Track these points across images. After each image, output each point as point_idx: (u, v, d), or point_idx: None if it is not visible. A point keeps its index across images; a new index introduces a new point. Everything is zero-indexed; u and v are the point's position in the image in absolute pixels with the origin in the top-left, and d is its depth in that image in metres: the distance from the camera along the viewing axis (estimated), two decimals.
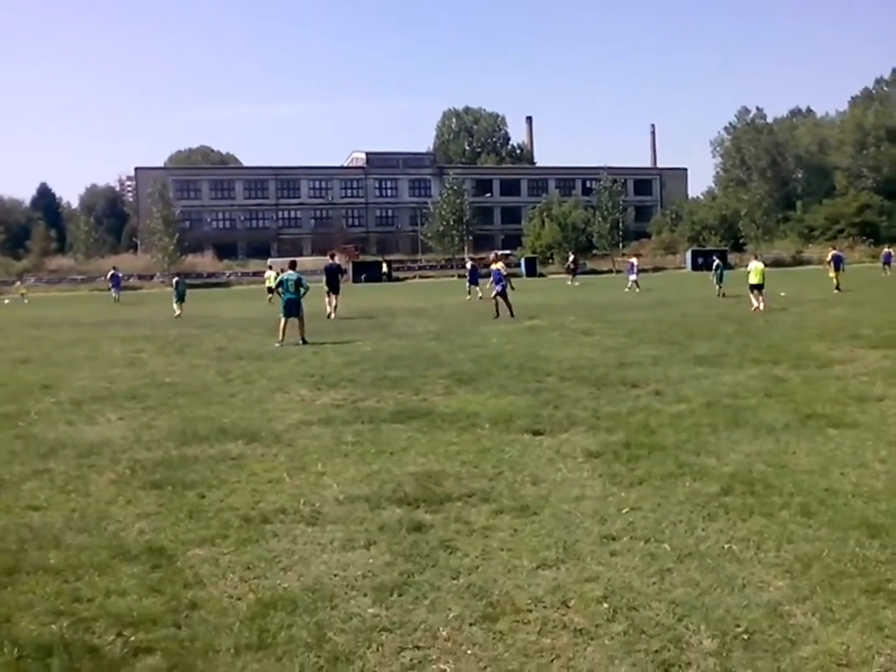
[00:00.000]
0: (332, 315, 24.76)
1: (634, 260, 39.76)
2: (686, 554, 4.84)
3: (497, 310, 23.30)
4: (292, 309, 17.53)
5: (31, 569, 4.83)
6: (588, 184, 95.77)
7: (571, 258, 54.10)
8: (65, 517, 5.86)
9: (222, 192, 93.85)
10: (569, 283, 47.92)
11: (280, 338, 17.21)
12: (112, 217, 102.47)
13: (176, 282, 31.02)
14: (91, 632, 4.04)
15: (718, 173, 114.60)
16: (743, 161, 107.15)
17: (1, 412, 10.15)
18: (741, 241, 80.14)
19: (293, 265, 18.92)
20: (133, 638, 3.94)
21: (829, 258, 33.01)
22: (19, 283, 54.94)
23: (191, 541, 5.26)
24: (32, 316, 32.13)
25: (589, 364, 12.85)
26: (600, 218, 79.27)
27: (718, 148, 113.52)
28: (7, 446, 8.18)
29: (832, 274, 31.23)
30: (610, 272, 71.61)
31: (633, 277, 38.15)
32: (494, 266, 24.35)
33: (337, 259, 27.58)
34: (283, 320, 17.47)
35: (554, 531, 5.30)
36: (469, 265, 37.39)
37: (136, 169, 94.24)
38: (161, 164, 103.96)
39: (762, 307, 22.59)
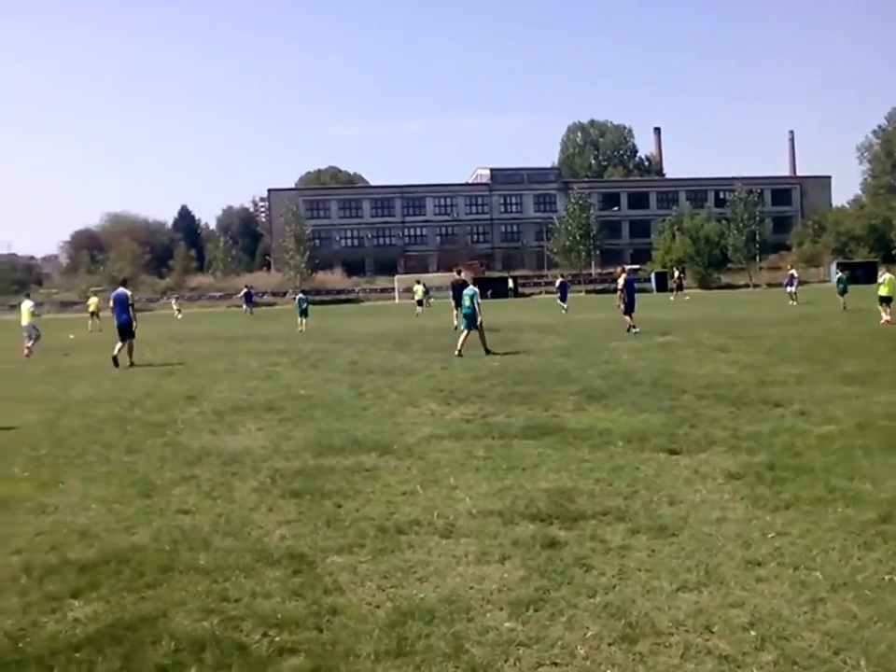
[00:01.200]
0: (460, 328, 25.14)
1: (794, 272, 39.19)
2: (840, 584, 4.54)
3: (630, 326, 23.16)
4: (471, 322, 18.39)
5: (183, 568, 5.09)
6: (721, 195, 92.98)
7: (676, 273, 55.95)
8: (212, 521, 6.13)
9: (350, 211, 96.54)
10: (672, 298, 47.50)
11: (459, 347, 17.94)
12: (246, 236, 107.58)
13: (299, 299, 32.50)
14: (239, 630, 4.20)
15: (866, 179, 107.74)
16: (894, 165, 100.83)
17: (151, 420, 10.77)
18: (893, 252, 75.21)
19: (476, 282, 20.10)
20: (277, 639, 4.08)
21: None
22: (173, 300, 58.04)
23: (330, 549, 5.38)
24: (175, 331, 33.97)
25: (727, 382, 12.40)
26: (735, 231, 76.69)
27: (865, 154, 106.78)
28: (158, 453, 8.66)
29: None
30: (747, 286, 69.11)
31: (791, 289, 37.42)
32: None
33: (463, 276, 28.13)
34: (465, 332, 18.46)
35: (695, 553, 5.11)
36: (558, 282, 38.55)
37: (269, 190, 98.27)
38: (292, 185, 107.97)
39: (890, 319, 21.87)
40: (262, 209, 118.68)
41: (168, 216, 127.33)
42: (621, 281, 24.94)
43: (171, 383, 15.05)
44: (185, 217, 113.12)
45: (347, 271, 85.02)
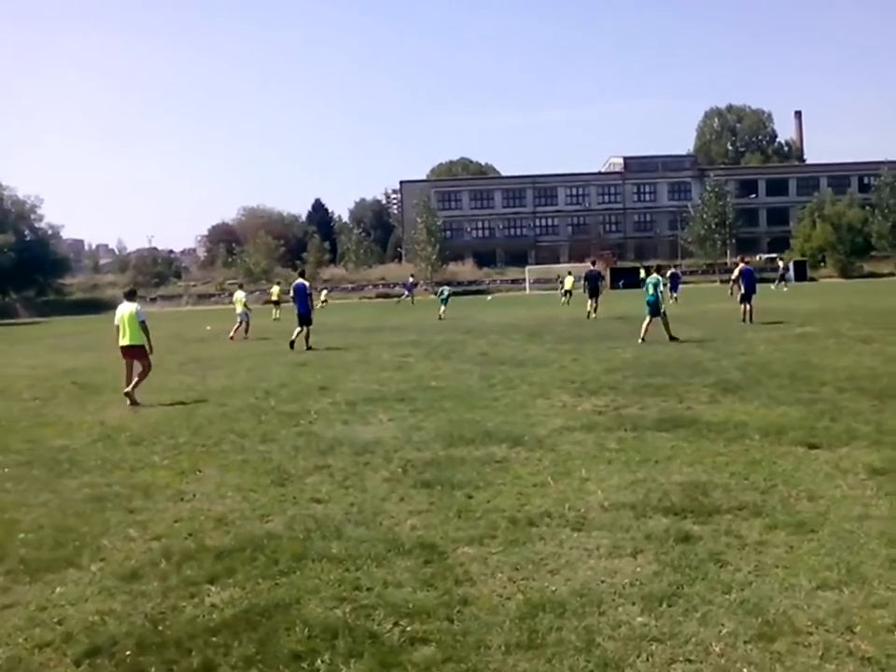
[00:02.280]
0: (592, 316, 28.16)
1: None
2: None
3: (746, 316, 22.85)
4: (654, 309, 18.96)
5: (316, 557, 5.25)
6: (865, 180, 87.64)
7: (781, 263, 55.42)
8: (345, 510, 6.30)
9: (481, 202, 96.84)
10: (773, 287, 46.04)
11: (642, 335, 18.51)
12: (379, 228, 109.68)
13: (442, 289, 34.90)
14: (371, 619, 4.31)
15: None
16: None
17: (286, 410, 11.18)
18: None
19: (649, 270, 21.16)
20: (409, 628, 4.17)
21: None
22: (325, 291, 59.86)
23: (461, 539, 5.47)
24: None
25: (870, 374, 11.80)
26: (880, 217, 72.42)
27: None
28: (291, 442, 8.98)
29: None
30: (892, 274, 65.15)
31: None
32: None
33: (597, 266, 28.97)
34: (648, 318, 18.95)
35: (835, 551, 4.94)
36: (669, 272, 38.01)
37: (401, 182, 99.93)
38: (424, 177, 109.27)
39: None
40: (395, 201, 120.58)
41: (302, 209, 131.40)
42: (736, 271, 24.52)
43: (304, 373, 15.55)
44: (318, 209, 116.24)
45: (478, 262, 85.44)
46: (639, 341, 18.24)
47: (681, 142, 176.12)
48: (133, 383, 12.40)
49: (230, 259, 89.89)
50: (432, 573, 4.90)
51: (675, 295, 37.01)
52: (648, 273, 24.78)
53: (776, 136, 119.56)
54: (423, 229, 79.26)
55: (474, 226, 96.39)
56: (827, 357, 14.13)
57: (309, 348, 20.28)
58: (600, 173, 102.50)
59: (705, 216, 76.60)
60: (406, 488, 6.85)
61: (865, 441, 7.71)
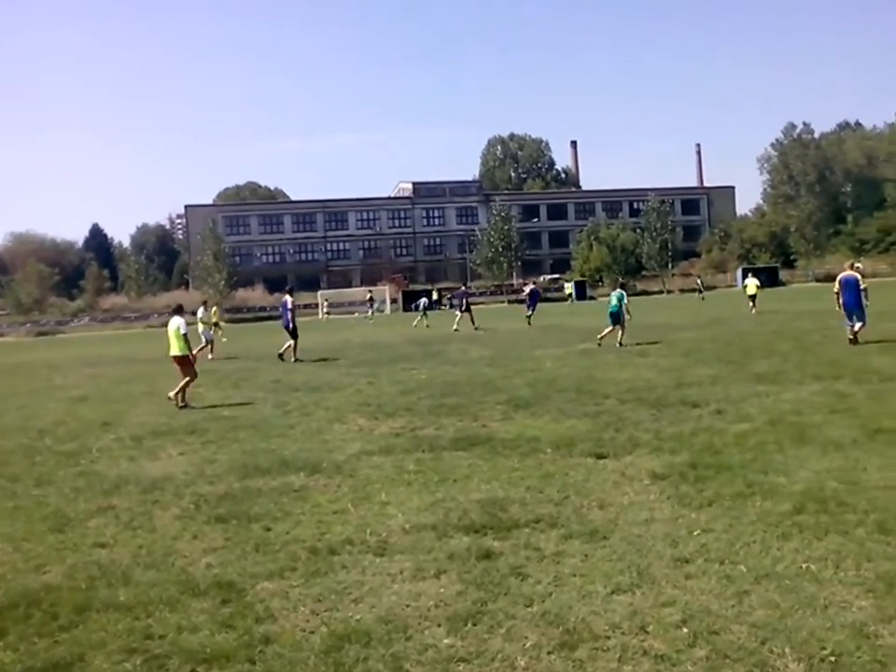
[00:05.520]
0: (475, 328, 31.69)
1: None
2: (763, 575, 4.71)
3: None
4: (614, 319, 21.14)
5: (101, 607, 4.83)
6: (635, 205, 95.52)
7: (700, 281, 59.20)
8: (133, 553, 5.87)
9: (271, 227, 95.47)
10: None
11: (599, 340, 20.90)
12: (163, 254, 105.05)
13: (421, 301, 40.45)
14: (164, 669, 4.01)
15: (766, 189, 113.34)
16: (791, 176, 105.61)
17: (63, 449, 10.29)
18: (792, 257, 79.19)
19: (623, 286, 23.60)
20: None
21: None
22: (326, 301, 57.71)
23: (260, 575, 5.23)
24: (87, 355, 32.80)
25: (647, 385, 12.69)
26: (649, 239, 78.94)
27: (765, 165, 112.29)
28: (70, 483, 8.26)
29: None
30: (661, 292, 70.96)
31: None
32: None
33: (464, 289, 36.05)
34: (610, 327, 21.20)
35: (626, 555, 5.19)
36: (529, 289, 38.71)
37: (186, 207, 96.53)
38: (210, 201, 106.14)
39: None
40: (179, 226, 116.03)
41: (78, 235, 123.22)
42: (526, 289, 27.23)
43: (84, 409, 14.46)
44: (96, 235, 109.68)
45: (269, 287, 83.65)
46: (597, 344, 20.62)
47: (467, 168, 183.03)
48: (177, 388, 13.87)
49: None
50: (231, 613, 4.64)
51: (529, 313, 35.48)
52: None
53: (554, 164, 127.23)
54: (210, 255, 76.73)
55: (264, 251, 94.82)
56: (609, 371, 15.03)
57: (283, 358, 21.66)
58: (390, 197, 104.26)
59: (491, 239, 79.85)
60: (199, 525, 6.49)
61: (647, 448, 8.23)
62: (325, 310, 64.10)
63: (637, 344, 20.06)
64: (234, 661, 4.03)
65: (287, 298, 22.95)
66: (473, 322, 32.47)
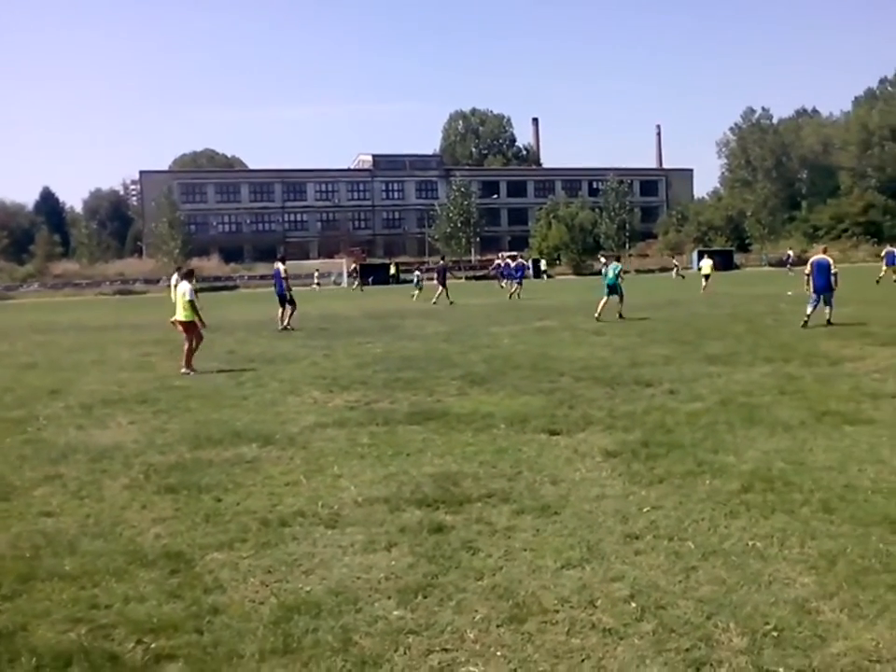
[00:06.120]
0: (450, 302, 31.99)
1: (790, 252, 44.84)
2: (710, 552, 4.80)
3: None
4: (611, 290, 21.71)
5: (46, 576, 4.75)
6: (595, 185, 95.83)
7: (791, 252, 57.64)
8: (80, 523, 5.78)
9: (228, 196, 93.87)
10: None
11: (597, 314, 21.06)
12: (116, 221, 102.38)
13: (416, 274, 40.50)
14: (110, 639, 3.96)
15: (723, 173, 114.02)
16: (748, 161, 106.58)
17: (10, 417, 10.08)
18: (747, 241, 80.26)
19: (618, 258, 25.22)
20: (153, 645, 3.87)
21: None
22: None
23: (210, 545, 5.19)
24: (37, 321, 32.09)
25: (602, 364, 12.80)
26: (607, 219, 79.34)
27: (723, 149, 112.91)
28: (16, 451, 8.11)
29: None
30: None
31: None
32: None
33: (442, 264, 36.80)
34: (605, 299, 21.54)
35: (577, 531, 5.25)
36: (515, 263, 40.58)
37: (141, 173, 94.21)
38: (166, 168, 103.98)
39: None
40: (134, 192, 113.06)
41: (28, 198, 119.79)
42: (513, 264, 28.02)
43: (32, 376, 14.15)
44: (47, 199, 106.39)
45: (225, 257, 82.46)
46: (595, 315, 21.02)
47: (428, 142, 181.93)
48: (184, 356, 13.87)
49: None
50: (179, 583, 4.59)
51: (515, 289, 35.96)
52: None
53: (515, 140, 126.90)
54: (165, 222, 75.23)
55: (220, 220, 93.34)
56: (564, 349, 15.14)
57: (288, 327, 21.55)
58: (349, 169, 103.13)
59: (451, 214, 79.56)
60: (149, 495, 6.41)
61: (600, 425, 8.31)
62: (316, 280, 64.09)
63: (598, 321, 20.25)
64: (181, 631, 3.99)
65: (280, 266, 22.65)
66: (448, 297, 32.82)
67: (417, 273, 41.59)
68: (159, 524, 5.68)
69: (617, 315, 21.19)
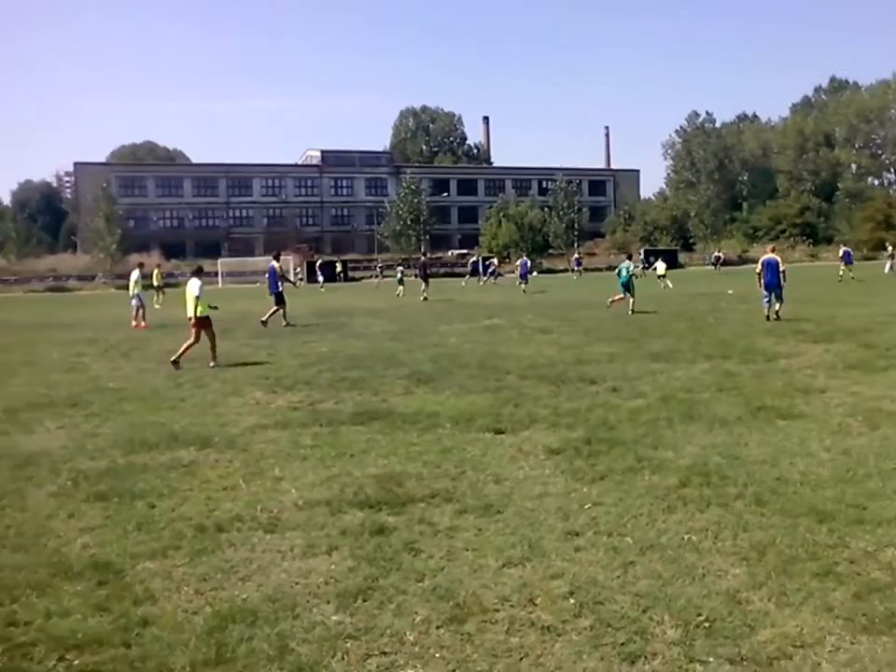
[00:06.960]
0: (427, 298, 33.07)
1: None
2: (648, 547, 4.88)
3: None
4: (625, 288, 22.83)
5: None
6: (544, 184, 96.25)
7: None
8: None
9: (169, 190, 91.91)
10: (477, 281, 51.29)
11: (609, 303, 23.15)
12: (48, 214, 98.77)
13: (399, 269, 41.00)
14: (29, 658, 3.79)
15: (669, 175, 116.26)
16: (693, 163, 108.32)
17: None
18: (691, 241, 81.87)
19: (630, 256, 26.92)
20: (77, 662, 3.73)
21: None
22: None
23: (141, 554, 5.03)
24: None
25: (548, 362, 12.85)
26: (556, 218, 79.94)
27: (669, 151, 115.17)
28: None
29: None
30: (566, 270, 72.06)
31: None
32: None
33: (423, 259, 38.55)
34: (620, 295, 22.99)
35: (519, 529, 5.24)
36: (519, 261, 43.14)
37: (76, 164, 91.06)
38: (104, 160, 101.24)
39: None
40: (68, 184, 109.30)
41: None
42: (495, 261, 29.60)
43: None
44: None
45: (166, 253, 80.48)
46: (608, 304, 23.06)
47: (379, 139, 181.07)
48: (211, 353, 14.06)
49: None
50: (107, 595, 4.43)
51: (523, 284, 38.58)
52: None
53: (466, 139, 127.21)
54: (102, 216, 73.06)
55: (161, 215, 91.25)
56: (512, 347, 15.18)
57: (287, 324, 21.51)
58: (297, 165, 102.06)
59: (400, 212, 79.24)
60: (77, 503, 6.17)
61: (544, 423, 8.34)
62: (298, 276, 61.71)
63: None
64: (108, 646, 3.85)
65: (274, 263, 22.95)
66: (425, 292, 33.79)
67: (400, 268, 41.73)
68: (87, 533, 5.48)
69: (629, 311, 21.93)
